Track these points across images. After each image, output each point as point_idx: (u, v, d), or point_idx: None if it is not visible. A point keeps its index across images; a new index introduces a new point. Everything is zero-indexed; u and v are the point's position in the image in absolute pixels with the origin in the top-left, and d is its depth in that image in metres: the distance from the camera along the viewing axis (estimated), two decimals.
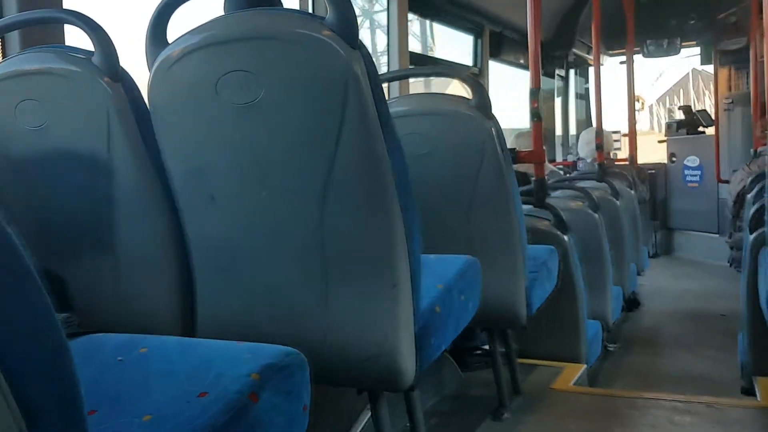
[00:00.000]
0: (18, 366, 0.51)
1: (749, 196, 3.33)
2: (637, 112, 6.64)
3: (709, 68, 7.04)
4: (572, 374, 2.49)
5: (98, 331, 1.12)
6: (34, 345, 0.53)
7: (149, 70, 1.29)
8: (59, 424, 0.55)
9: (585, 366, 2.63)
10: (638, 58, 6.49)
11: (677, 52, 6.70)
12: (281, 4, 1.72)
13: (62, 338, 0.56)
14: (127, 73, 1.37)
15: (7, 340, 0.52)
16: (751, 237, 2.23)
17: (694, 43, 6.71)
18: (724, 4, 6.12)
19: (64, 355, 0.55)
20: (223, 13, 1.35)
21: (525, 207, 2.05)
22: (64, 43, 1.82)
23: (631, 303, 4.56)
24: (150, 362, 0.90)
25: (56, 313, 0.57)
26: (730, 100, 6.39)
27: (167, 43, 1.27)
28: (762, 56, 5.01)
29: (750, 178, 3.84)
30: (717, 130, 6.39)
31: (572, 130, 7.17)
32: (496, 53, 5.20)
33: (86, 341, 1.02)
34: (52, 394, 0.53)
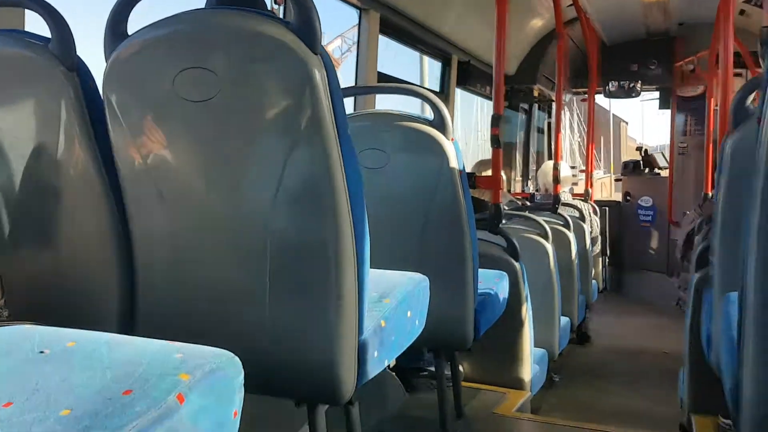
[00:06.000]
0: None
1: (698, 237, 3.41)
2: None
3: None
4: (515, 400, 2.49)
5: (32, 323, 1.08)
6: None
7: (106, 61, 1.26)
8: None
9: (529, 393, 2.64)
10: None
11: (638, 95, 6.91)
12: (265, 7, 1.70)
13: None
14: (83, 62, 1.33)
15: None
16: (696, 276, 2.27)
17: (654, 87, 6.93)
18: (684, 52, 6.35)
19: None
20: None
21: (479, 232, 2.05)
22: (23, 28, 1.77)
23: (582, 336, 4.63)
24: (76, 357, 0.86)
25: None
26: (685, 145, 6.60)
27: (127, 36, 1.25)
28: (718, 104, 5.20)
29: (699, 220, 3.94)
30: (671, 172, 6.59)
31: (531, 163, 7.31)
32: (462, 81, 5.28)
33: (13, 332, 0.97)
34: None
